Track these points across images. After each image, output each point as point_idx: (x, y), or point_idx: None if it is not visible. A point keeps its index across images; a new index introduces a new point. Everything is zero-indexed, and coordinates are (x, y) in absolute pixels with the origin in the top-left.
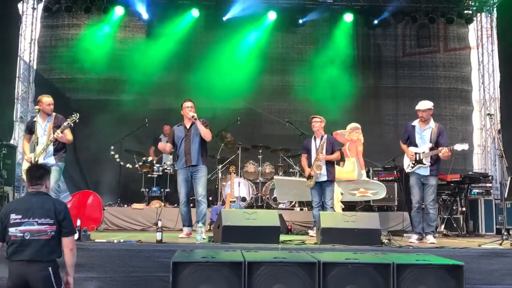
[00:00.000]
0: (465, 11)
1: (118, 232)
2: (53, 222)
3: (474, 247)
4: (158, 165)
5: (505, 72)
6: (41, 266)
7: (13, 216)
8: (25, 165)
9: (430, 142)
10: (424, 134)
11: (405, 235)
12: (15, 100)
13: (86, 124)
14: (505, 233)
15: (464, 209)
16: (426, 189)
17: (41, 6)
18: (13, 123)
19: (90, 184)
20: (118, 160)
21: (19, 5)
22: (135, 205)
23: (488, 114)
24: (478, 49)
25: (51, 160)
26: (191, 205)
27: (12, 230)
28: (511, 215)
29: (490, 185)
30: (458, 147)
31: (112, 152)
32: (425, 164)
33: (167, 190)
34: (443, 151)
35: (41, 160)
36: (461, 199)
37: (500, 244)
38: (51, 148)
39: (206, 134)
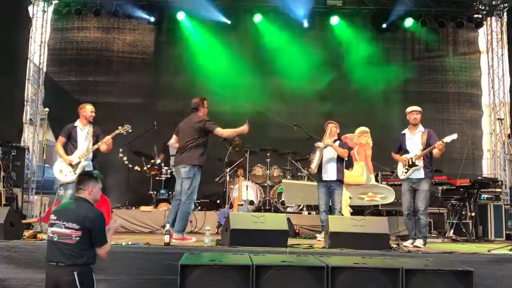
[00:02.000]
0: (475, 15)
1: (126, 235)
2: (79, 228)
3: (484, 253)
4: (166, 167)
5: None
6: (66, 270)
7: (52, 216)
8: (60, 166)
9: (421, 145)
10: (414, 138)
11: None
12: (25, 103)
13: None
14: None
15: (473, 214)
16: (417, 195)
17: (51, 9)
18: (23, 125)
19: None
20: (126, 162)
21: (30, 8)
22: (143, 208)
23: (498, 119)
24: (488, 53)
25: (90, 166)
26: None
27: (49, 229)
28: None
29: (499, 190)
30: (448, 138)
31: (121, 155)
32: (418, 165)
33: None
34: (437, 145)
35: (83, 163)
36: (470, 204)
37: (510, 250)
38: (90, 154)
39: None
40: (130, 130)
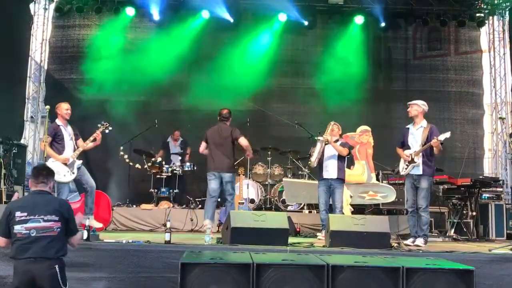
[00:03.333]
0: (477, 14)
1: (127, 233)
2: (59, 219)
3: (485, 252)
4: (167, 166)
5: None
6: (48, 264)
7: (18, 213)
8: (55, 166)
9: (422, 141)
10: (416, 133)
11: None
12: (26, 100)
13: (95, 124)
14: None
15: (474, 213)
16: (418, 192)
17: (52, 6)
18: (24, 122)
19: (98, 184)
20: (127, 160)
21: (31, 6)
22: (143, 206)
23: (500, 118)
24: (490, 52)
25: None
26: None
27: (17, 227)
28: None
29: (501, 189)
30: (442, 137)
31: (122, 153)
32: (416, 162)
33: (176, 191)
34: (432, 142)
35: (78, 162)
36: (471, 204)
37: (511, 249)
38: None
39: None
40: (110, 128)
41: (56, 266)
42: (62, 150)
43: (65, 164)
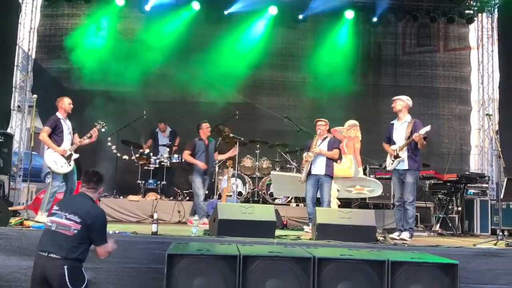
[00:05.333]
0: (466, 11)
1: (113, 224)
2: (80, 222)
3: (469, 247)
4: (155, 157)
5: (505, 73)
6: (57, 263)
7: (55, 207)
8: (53, 157)
9: (406, 136)
10: (400, 129)
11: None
12: (13, 89)
13: (83, 115)
14: (500, 234)
15: (459, 208)
16: (404, 187)
17: None
18: (10, 111)
19: None
20: (115, 151)
21: None
22: (131, 197)
23: (487, 115)
24: (478, 49)
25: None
26: None
27: (49, 219)
28: (507, 215)
29: (486, 185)
30: (422, 130)
31: (109, 143)
32: (400, 157)
33: (163, 182)
34: (414, 136)
35: (75, 155)
36: (457, 199)
37: (495, 244)
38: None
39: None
40: (106, 128)
41: (65, 267)
42: (60, 143)
43: (63, 155)
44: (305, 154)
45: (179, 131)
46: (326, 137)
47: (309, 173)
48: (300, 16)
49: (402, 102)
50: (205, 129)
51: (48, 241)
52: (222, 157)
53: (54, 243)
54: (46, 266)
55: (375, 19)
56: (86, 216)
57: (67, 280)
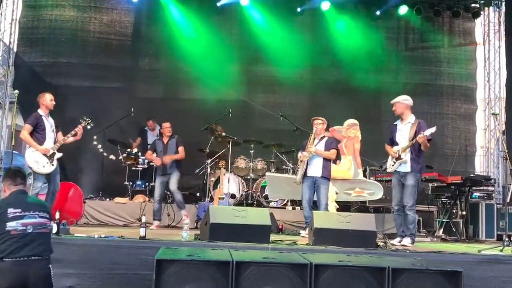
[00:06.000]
0: (472, 5)
1: (99, 227)
2: (49, 217)
3: (474, 253)
4: (143, 157)
5: None
6: (42, 264)
7: (11, 210)
8: (35, 156)
9: (409, 137)
10: (404, 130)
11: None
12: None
13: (67, 112)
14: (507, 239)
15: (464, 213)
16: (404, 190)
17: None
18: None
19: (69, 175)
20: (101, 150)
21: None
22: (117, 199)
23: (493, 114)
24: (485, 45)
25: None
26: None
27: (11, 224)
28: None
29: (492, 188)
30: (427, 132)
31: (95, 142)
32: (402, 159)
33: (152, 184)
34: (418, 137)
35: (58, 154)
36: (461, 203)
37: (501, 251)
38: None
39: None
40: (92, 125)
41: (50, 266)
42: (42, 141)
43: (45, 155)
44: (300, 154)
45: None
46: (324, 136)
47: (305, 175)
48: (298, 9)
49: (401, 104)
50: (164, 128)
51: (29, 245)
52: (172, 157)
53: (34, 245)
54: (28, 271)
55: (377, 13)
56: (48, 209)
57: (51, 278)
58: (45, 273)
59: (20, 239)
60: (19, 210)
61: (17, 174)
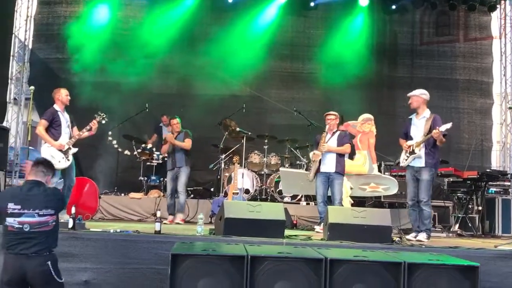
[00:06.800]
0: None
1: (114, 222)
2: (54, 212)
3: (490, 248)
4: (157, 153)
5: None
6: (40, 261)
7: (11, 205)
8: (50, 151)
9: (424, 131)
10: (418, 124)
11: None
12: (9, 81)
13: (82, 107)
14: None
15: (480, 208)
16: (419, 185)
17: None
18: (6, 104)
19: (84, 171)
20: (116, 146)
21: None
22: (132, 194)
23: (510, 108)
24: (501, 39)
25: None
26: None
27: (9, 220)
28: None
29: (508, 183)
30: (443, 127)
31: (110, 138)
32: (416, 154)
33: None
34: (433, 133)
35: (73, 150)
36: (477, 198)
37: None
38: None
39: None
40: (106, 119)
41: (49, 263)
42: (58, 136)
43: (60, 150)
44: (312, 153)
45: (183, 124)
46: (336, 131)
47: (318, 171)
48: (312, 4)
49: (418, 98)
50: (173, 125)
51: (23, 242)
52: (175, 142)
53: (30, 244)
54: (25, 267)
55: (392, 7)
56: (58, 202)
57: (53, 274)
58: (43, 270)
59: (17, 236)
60: (19, 207)
61: (43, 163)
